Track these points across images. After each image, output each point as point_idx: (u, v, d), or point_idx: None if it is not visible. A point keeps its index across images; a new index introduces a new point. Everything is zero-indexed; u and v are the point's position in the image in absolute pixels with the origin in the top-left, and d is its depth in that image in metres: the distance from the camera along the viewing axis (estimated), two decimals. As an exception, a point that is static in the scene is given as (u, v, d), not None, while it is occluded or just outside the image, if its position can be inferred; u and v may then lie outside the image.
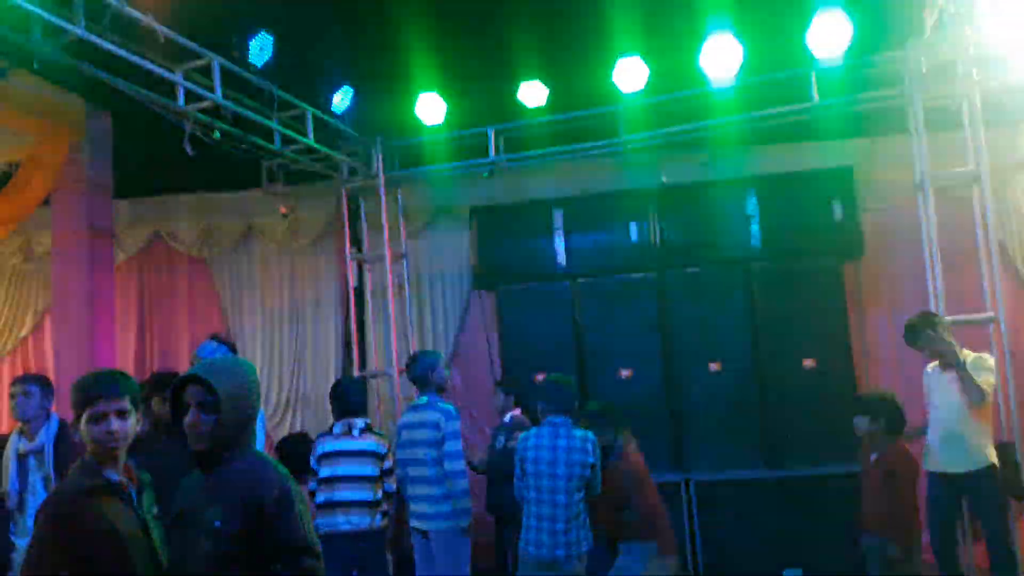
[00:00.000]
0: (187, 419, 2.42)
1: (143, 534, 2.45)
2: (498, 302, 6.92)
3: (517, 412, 6.02)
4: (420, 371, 4.99)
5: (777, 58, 5.62)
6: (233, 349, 4.74)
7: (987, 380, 4.76)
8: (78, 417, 2.48)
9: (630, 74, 5.91)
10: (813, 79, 5.62)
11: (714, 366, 6.36)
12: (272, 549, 2.34)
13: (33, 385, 4.66)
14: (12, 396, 4.65)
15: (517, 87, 6.22)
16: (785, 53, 5.55)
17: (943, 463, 4.83)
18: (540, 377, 6.75)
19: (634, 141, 6.24)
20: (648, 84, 5.85)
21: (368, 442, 4.75)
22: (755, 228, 6.46)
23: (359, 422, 4.80)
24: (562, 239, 6.81)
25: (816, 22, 5.34)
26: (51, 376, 5.31)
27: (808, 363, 6.16)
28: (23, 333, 8.11)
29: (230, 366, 2.59)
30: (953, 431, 4.78)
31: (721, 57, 5.61)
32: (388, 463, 4.81)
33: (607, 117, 6.25)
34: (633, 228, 6.82)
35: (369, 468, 4.67)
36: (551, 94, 6.25)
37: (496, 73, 6.22)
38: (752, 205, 6.45)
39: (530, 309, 6.75)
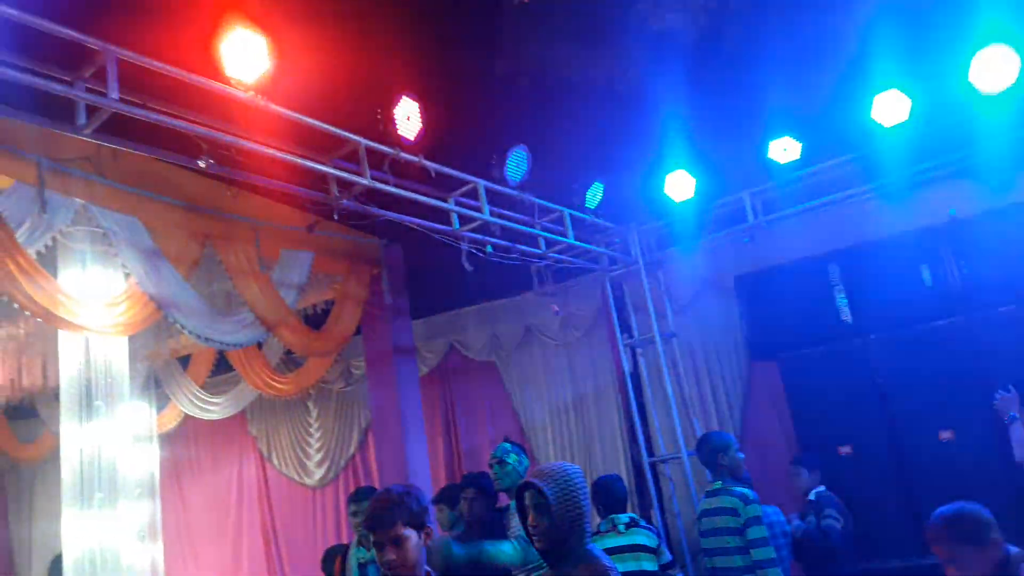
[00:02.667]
0: (529, 520, 2.70)
1: None
2: (782, 372, 6.56)
3: (823, 488, 5.59)
4: (708, 455, 4.85)
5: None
6: (522, 449, 4.96)
7: None
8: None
9: (891, 108, 5.51)
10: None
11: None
12: None
13: (367, 502, 5.21)
14: (353, 514, 5.25)
15: (766, 146, 6.06)
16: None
17: None
18: (845, 449, 6.26)
19: (907, 177, 5.73)
20: (912, 114, 5.39)
21: (636, 536, 4.63)
22: (1081, 250, 5.54)
23: (622, 517, 4.72)
24: (844, 295, 6.35)
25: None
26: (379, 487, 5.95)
27: None
28: (352, 451, 9.19)
29: (557, 470, 2.75)
30: None
31: (995, 70, 5.03)
32: (666, 556, 4.64)
33: (871, 158, 5.83)
34: (926, 271, 6.18)
35: (645, 563, 4.54)
36: (804, 146, 6.00)
37: (742, 136, 6.13)
38: (1071, 224, 5.56)
39: (819, 375, 6.32)
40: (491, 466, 4.71)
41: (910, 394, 5.99)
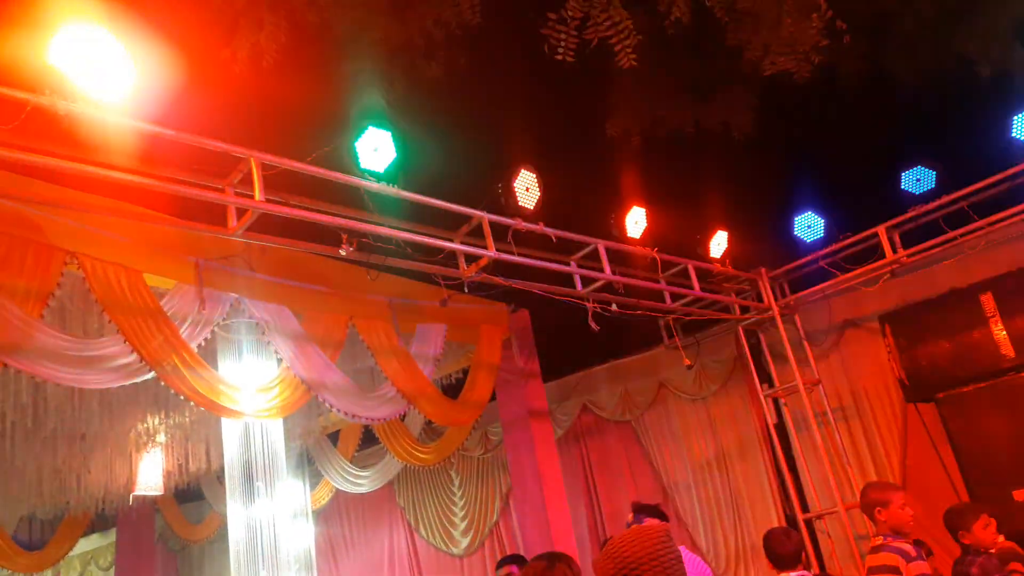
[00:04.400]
0: None
1: None
2: (940, 413, 6.13)
3: (1001, 539, 5.12)
4: (867, 508, 4.59)
5: None
6: (657, 512, 4.82)
7: None
8: None
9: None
10: None
11: None
12: None
13: (514, 565, 5.28)
14: None
15: (898, 177, 5.82)
16: None
17: None
18: (1022, 493, 5.74)
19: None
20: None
21: None
22: None
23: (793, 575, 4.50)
24: (1001, 325, 5.91)
25: None
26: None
27: None
28: (495, 517, 9.23)
29: (619, 544, 2.40)
30: None
31: None
32: None
33: (1017, 177, 5.49)
34: (1095, 294, 5.69)
35: None
36: (940, 173, 5.73)
37: (871, 170, 5.93)
38: None
39: (983, 413, 5.88)
40: None
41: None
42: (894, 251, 6.11)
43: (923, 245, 6.04)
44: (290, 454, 7.97)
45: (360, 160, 4.09)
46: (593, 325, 5.85)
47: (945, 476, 6.33)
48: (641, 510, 4.76)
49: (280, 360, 5.46)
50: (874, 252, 6.23)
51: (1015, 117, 5.19)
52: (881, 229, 6.16)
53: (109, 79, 3.27)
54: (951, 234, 5.93)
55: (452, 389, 6.99)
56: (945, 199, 5.80)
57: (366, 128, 4.13)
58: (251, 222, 4.12)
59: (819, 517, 6.73)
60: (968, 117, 5.41)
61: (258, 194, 4.02)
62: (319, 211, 4.31)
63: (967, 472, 6.00)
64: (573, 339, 6.94)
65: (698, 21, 4.87)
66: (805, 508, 6.82)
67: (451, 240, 4.90)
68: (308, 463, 9.19)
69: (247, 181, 4.06)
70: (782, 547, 4.63)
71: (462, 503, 9.50)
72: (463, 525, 9.45)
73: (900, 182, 5.84)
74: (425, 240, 4.69)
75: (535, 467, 7.15)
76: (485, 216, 4.93)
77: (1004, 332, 5.89)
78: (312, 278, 5.54)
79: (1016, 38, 4.86)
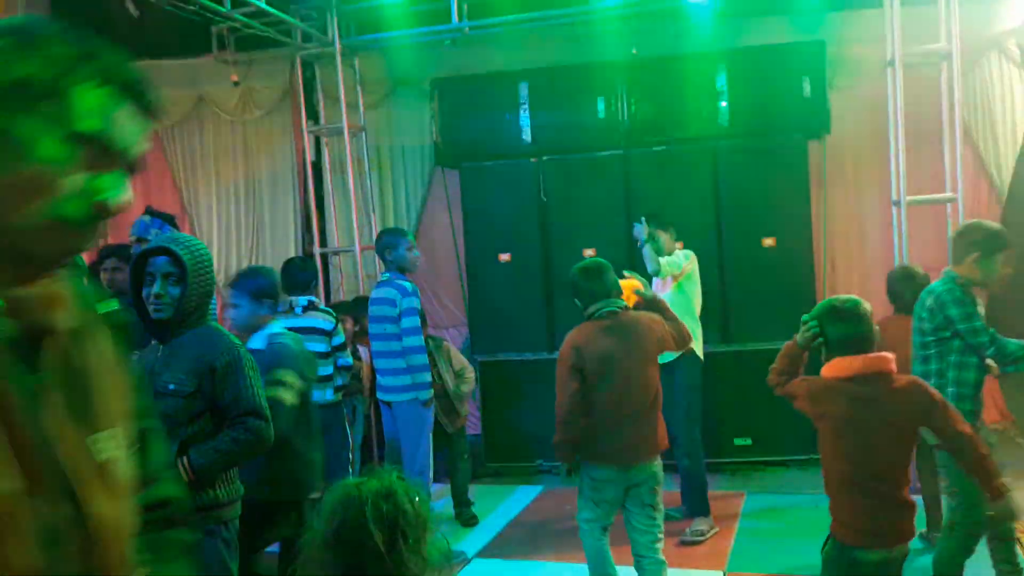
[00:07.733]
0: (152, 289, 2.52)
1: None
2: (462, 180, 6.79)
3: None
4: (379, 249, 5.05)
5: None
6: (170, 221, 4.67)
7: (670, 260, 5.07)
8: None
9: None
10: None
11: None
12: (222, 409, 2.53)
13: None
14: None
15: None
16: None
17: None
18: (504, 256, 6.79)
19: (604, 11, 5.98)
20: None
21: (311, 319, 4.75)
22: (723, 104, 6.34)
23: (300, 300, 4.80)
24: (528, 114, 6.63)
25: None
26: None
27: (768, 242, 6.22)
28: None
29: (193, 241, 2.65)
30: None
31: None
32: (338, 338, 4.83)
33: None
34: (601, 104, 6.64)
35: (316, 344, 4.69)
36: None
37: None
38: (721, 80, 6.30)
39: (495, 187, 6.64)
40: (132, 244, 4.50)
41: (566, 214, 6.58)
42: (461, 19, 6.26)
43: (486, 20, 6.27)
44: None
45: None
46: (132, 10, 4.95)
47: (449, 235, 7.16)
48: (158, 214, 4.56)
49: None
50: (444, 16, 6.29)
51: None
52: (457, -5, 6.20)
53: None
54: (511, 18, 6.24)
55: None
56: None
57: None
58: None
59: (336, 254, 7.11)
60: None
61: None
62: None
63: (468, 236, 6.84)
64: (103, 21, 5.81)
65: None
66: (324, 244, 7.13)
67: None
68: None
69: None
70: (293, 275, 4.87)
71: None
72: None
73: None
74: None
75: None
76: None
77: (529, 120, 6.61)
78: None
79: None
